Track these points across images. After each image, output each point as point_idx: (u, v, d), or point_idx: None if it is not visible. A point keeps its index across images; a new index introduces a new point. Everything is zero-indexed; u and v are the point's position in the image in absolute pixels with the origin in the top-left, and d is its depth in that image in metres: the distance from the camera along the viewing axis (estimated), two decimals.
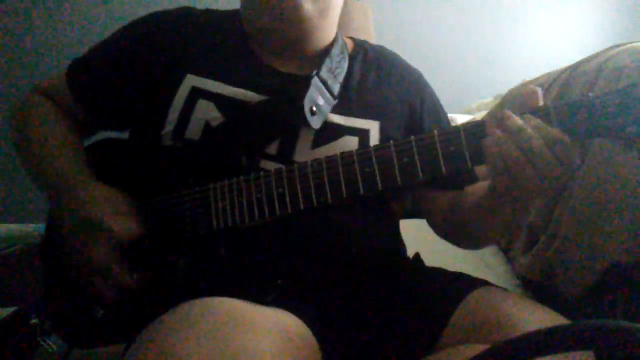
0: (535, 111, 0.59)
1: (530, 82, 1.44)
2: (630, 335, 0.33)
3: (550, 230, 1.07)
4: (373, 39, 1.88)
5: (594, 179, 0.95)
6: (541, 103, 0.60)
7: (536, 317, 0.60)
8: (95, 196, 0.71)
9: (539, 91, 0.60)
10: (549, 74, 1.33)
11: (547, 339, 0.34)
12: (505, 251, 1.33)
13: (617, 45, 1.07)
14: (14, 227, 1.92)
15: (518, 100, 0.62)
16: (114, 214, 0.69)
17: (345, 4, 1.58)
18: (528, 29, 2.33)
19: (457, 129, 0.61)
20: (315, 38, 0.83)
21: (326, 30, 0.85)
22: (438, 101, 0.91)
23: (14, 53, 1.93)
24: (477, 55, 2.29)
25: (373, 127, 0.78)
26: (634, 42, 1.04)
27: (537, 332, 0.35)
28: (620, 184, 0.88)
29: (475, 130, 0.60)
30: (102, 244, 0.68)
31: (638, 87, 0.55)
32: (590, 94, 0.57)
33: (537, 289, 1.09)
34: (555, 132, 0.56)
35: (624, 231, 0.86)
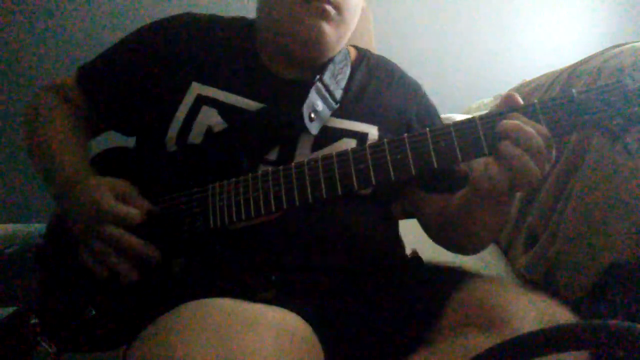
0: (522, 109, 0.60)
1: (530, 82, 1.45)
2: (630, 335, 0.33)
3: (550, 230, 1.07)
4: (373, 40, 1.88)
5: (594, 179, 0.95)
6: (521, 102, 0.62)
7: (528, 302, 0.60)
8: (96, 184, 0.71)
9: (515, 93, 0.62)
10: (548, 74, 1.33)
11: (547, 339, 0.34)
12: (505, 251, 1.33)
13: (617, 45, 1.08)
14: (14, 227, 1.92)
15: (501, 104, 0.63)
16: (115, 198, 0.70)
17: None
18: (528, 29, 2.33)
19: (448, 126, 0.63)
20: (328, 56, 0.84)
21: (338, 49, 0.86)
22: (436, 111, 0.92)
23: (15, 53, 1.93)
24: (477, 56, 2.29)
25: (371, 131, 0.80)
26: (634, 42, 1.04)
27: (537, 332, 0.35)
28: (621, 184, 0.88)
29: (465, 127, 0.62)
30: (109, 222, 0.68)
31: (619, 83, 0.56)
32: (574, 90, 0.58)
33: (537, 289, 1.09)
34: (544, 128, 0.58)
35: (624, 231, 0.86)
